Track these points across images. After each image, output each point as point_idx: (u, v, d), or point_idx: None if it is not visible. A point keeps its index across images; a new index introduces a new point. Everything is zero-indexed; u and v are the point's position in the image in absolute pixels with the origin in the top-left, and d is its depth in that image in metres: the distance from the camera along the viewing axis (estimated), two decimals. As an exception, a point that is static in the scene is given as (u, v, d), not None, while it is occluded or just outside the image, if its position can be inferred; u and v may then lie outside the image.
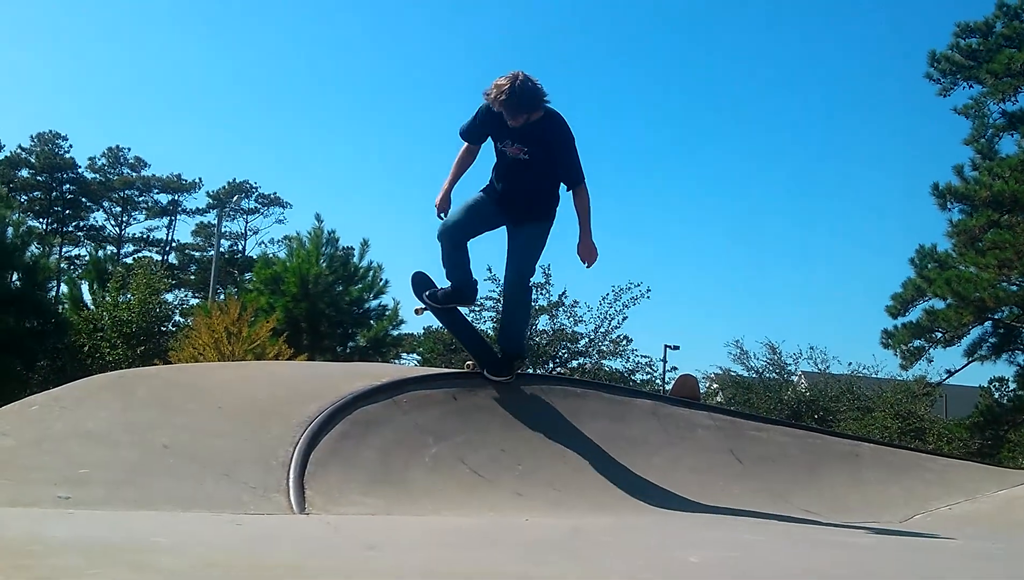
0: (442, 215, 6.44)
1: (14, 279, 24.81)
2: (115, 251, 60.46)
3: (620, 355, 28.21)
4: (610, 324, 27.34)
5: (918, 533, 5.48)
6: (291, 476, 4.62)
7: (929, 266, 29.51)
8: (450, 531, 4.18)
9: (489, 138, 6.35)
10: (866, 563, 3.90)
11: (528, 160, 6.18)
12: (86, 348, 25.75)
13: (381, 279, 32.09)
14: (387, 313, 32.18)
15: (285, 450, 4.84)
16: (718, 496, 5.99)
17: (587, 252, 6.30)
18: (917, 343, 29.70)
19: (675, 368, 37.13)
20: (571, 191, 6.25)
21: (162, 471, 4.53)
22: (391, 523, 4.32)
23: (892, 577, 3.51)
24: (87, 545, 3.01)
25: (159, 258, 61.87)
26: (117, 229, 68.20)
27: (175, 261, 65.73)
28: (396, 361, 32.77)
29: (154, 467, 4.57)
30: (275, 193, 68.86)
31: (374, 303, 32.33)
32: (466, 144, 6.46)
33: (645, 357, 29.30)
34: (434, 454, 5.48)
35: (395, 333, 33.35)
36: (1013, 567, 4.12)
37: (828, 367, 33.39)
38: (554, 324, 27.44)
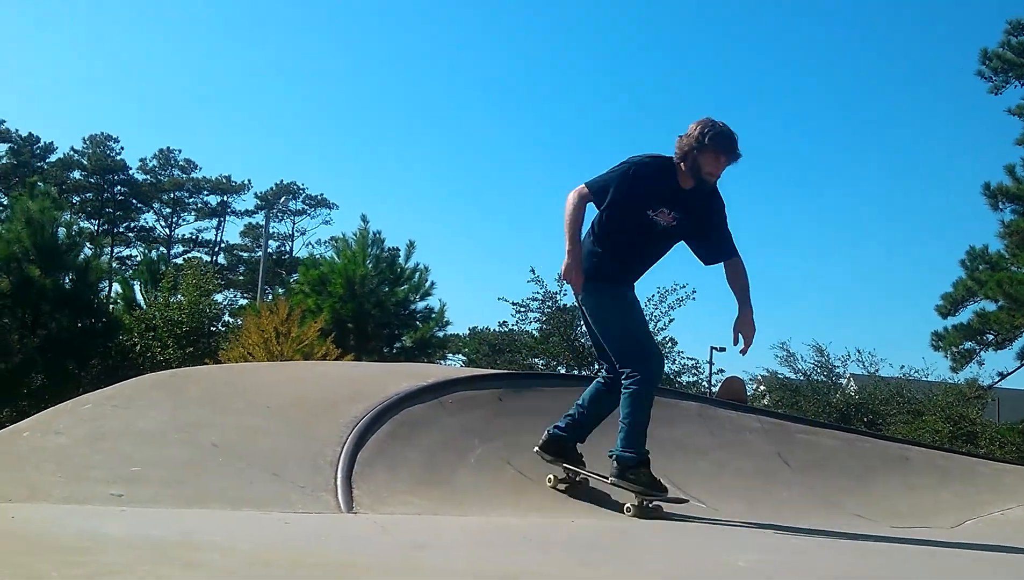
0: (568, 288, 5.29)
1: (67, 280, 25.19)
2: (165, 252, 61.24)
3: (666, 357, 28.12)
4: (656, 326, 27.26)
5: (967, 540, 5.40)
6: (339, 476, 4.65)
7: (980, 268, 29.10)
8: (496, 532, 4.19)
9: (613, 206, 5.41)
10: (914, 570, 3.86)
11: (675, 228, 5.44)
12: (138, 348, 26.11)
13: (427, 281, 32.27)
14: (433, 315, 32.34)
15: (333, 450, 4.87)
16: (765, 500, 5.94)
17: (749, 327, 5.43)
18: (968, 345, 29.30)
19: (721, 370, 36.87)
20: (729, 261, 5.58)
21: (212, 470, 4.59)
22: (438, 523, 4.34)
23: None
24: (138, 542, 3.05)
25: (208, 259, 62.60)
26: (167, 230, 69.18)
27: (224, 262, 66.55)
28: (442, 362, 32.90)
29: (204, 465, 4.63)
30: (322, 194, 69.45)
31: (420, 305, 32.51)
32: (588, 202, 5.36)
33: (692, 359, 29.21)
34: (480, 455, 5.49)
35: (441, 334, 33.50)
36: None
37: (877, 370, 33.01)
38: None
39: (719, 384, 9.64)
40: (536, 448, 5.49)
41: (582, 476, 5.46)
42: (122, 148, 67.15)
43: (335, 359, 19.95)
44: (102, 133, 66.81)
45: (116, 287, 34.83)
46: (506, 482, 5.35)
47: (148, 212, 69.12)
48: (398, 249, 32.35)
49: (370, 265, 30.60)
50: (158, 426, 5.09)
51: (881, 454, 7.33)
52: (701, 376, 29.62)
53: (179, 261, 48.64)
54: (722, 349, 43.03)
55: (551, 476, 5.46)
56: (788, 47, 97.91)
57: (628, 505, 5.13)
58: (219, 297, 32.94)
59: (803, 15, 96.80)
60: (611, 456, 5.21)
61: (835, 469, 6.84)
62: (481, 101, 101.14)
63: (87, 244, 27.31)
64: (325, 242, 61.82)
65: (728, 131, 5.33)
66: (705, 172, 5.32)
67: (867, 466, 6.97)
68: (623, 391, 5.26)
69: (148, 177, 68.51)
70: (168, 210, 69.05)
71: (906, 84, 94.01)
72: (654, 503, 5.14)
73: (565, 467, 5.45)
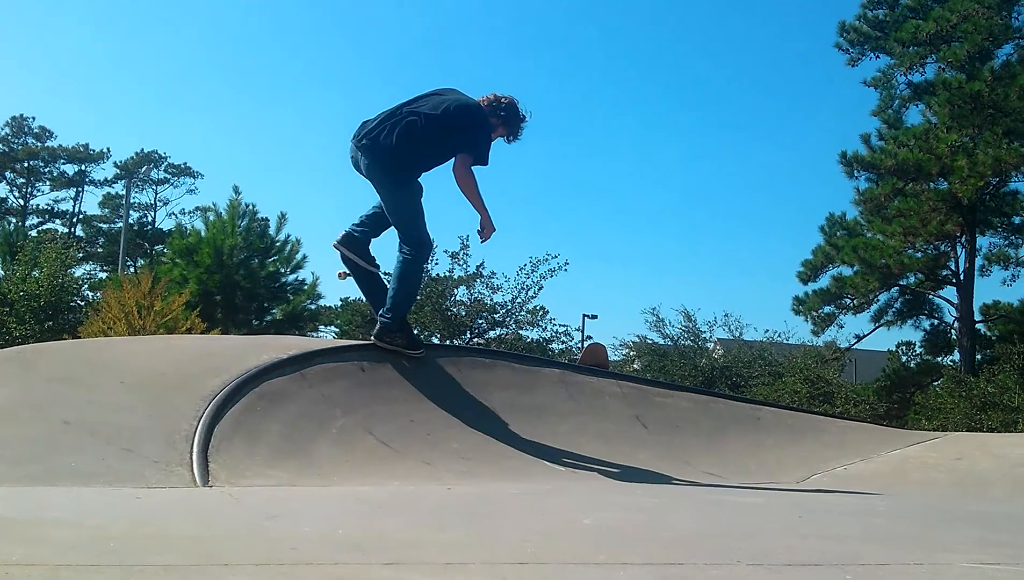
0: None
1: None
2: (19, 223, 58.53)
3: (537, 325, 28.48)
4: (527, 294, 27.58)
5: (810, 493, 5.68)
6: (194, 450, 4.61)
7: (838, 234, 30.32)
8: (354, 500, 4.22)
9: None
10: (752, 523, 4.05)
11: None
12: (-8, 323, 25.06)
13: (299, 253, 31.92)
14: (305, 287, 32.02)
15: (189, 424, 4.82)
16: (623, 462, 6.12)
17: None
18: (827, 309, 30.59)
19: (589, 337, 37.51)
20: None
21: (63, 447, 4.49)
22: (294, 494, 4.35)
23: (774, 535, 3.66)
24: (-20, 522, 2.99)
25: (65, 230, 60.23)
26: (21, 201, 66.22)
27: (82, 233, 64.00)
28: (313, 334, 32.60)
29: (54, 443, 4.52)
30: (185, 163, 67.38)
31: (291, 277, 32.15)
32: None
33: (562, 326, 29.64)
34: (341, 426, 5.50)
35: (313, 307, 33.21)
36: (889, 522, 4.31)
37: (742, 334, 34.16)
38: (472, 294, 27.58)
39: (582, 351, 9.84)
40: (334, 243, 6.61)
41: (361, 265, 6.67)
42: (-30, 116, 63.87)
43: (201, 333, 19.56)
44: (-51, 99, 63.46)
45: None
46: (368, 452, 5.37)
47: (0, 182, 66.05)
48: (267, 220, 31.87)
49: (240, 236, 30.08)
50: (4, 403, 4.94)
51: (734, 415, 7.61)
52: (571, 343, 30.00)
53: (34, 233, 46.64)
54: (594, 317, 43.94)
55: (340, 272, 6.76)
56: (647, 12, 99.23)
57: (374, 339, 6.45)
58: (78, 271, 31.76)
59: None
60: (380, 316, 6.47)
61: (689, 430, 7.09)
62: (363, 71, 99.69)
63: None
64: (191, 212, 60.31)
65: (521, 117, 6.56)
66: (493, 135, 6.47)
67: (720, 427, 7.25)
68: (398, 261, 6.46)
69: (0, 146, 65.40)
70: (22, 180, 66.09)
71: (768, 55, 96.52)
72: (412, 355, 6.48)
73: (349, 257, 6.63)
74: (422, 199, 6.52)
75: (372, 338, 6.47)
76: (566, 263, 27.21)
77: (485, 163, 6.32)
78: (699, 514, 4.30)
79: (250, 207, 31.01)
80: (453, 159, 6.28)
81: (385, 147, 6.16)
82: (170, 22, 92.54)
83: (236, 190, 31.04)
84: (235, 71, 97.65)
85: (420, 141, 6.18)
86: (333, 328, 40.49)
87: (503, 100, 6.45)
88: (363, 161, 6.30)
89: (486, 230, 6.46)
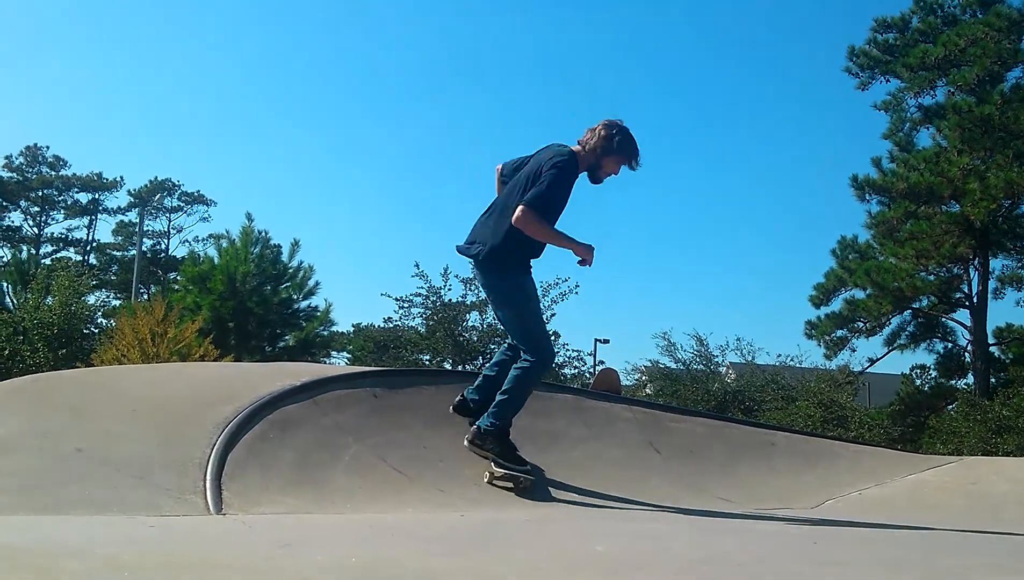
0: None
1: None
2: (33, 252, 58.82)
3: (549, 349, 28.38)
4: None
5: (824, 519, 5.64)
6: (208, 478, 4.61)
7: (850, 257, 30.26)
8: (366, 528, 4.22)
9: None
10: (765, 549, 4.03)
11: None
12: (6, 352, 25.15)
13: (311, 279, 32.03)
14: (317, 313, 32.10)
15: (202, 452, 4.82)
16: (637, 488, 6.10)
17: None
18: (840, 333, 30.47)
19: (602, 362, 37.41)
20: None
21: (75, 476, 4.49)
22: (307, 522, 4.35)
23: (787, 562, 3.64)
24: (-7, 551, 2.99)
25: (79, 258, 60.45)
26: (35, 229, 66.56)
27: (95, 261, 64.16)
28: (325, 360, 32.64)
29: (67, 472, 4.52)
30: (198, 191, 67.66)
31: (304, 304, 32.25)
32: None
33: (575, 350, 29.58)
34: (354, 453, 5.50)
35: (325, 333, 33.27)
36: (903, 548, 4.27)
37: (754, 358, 34.05)
38: (484, 319, 27.58)
39: (594, 376, 9.85)
40: (466, 441, 5.76)
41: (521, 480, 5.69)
42: (-14, 145, 64.27)
43: (214, 360, 19.61)
44: (-36, 130, 63.87)
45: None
46: (381, 479, 5.37)
47: (15, 211, 66.39)
48: (280, 246, 31.99)
49: (253, 263, 30.21)
50: (17, 433, 4.95)
51: (748, 440, 7.59)
52: (584, 368, 29.93)
53: (47, 261, 46.85)
54: (606, 341, 43.83)
55: (487, 472, 5.72)
56: (657, 40, 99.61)
57: (486, 472, 5.66)
58: (91, 298, 31.88)
59: (676, 6, 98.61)
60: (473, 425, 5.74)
61: (703, 455, 7.07)
62: (359, 96, 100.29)
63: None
64: (203, 239, 60.50)
65: (633, 138, 5.73)
66: (604, 172, 5.77)
67: (734, 452, 7.22)
68: (514, 368, 5.68)
69: (14, 175, 65.78)
70: (36, 209, 66.44)
71: (779, 80, 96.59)
72: (506, 472, 5.62)
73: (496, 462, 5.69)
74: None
75: (465, 441, 5.78)
76: (576, 286, 27.20)
77: (543, 212, 5.47)
78: (712, 540, 4.28)
79: (263, 234, 31.18)
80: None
81: (486, 252, 5.64)
82: (182, 49, 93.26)
83: (249, 217, 31.22)
84: (249, 99, 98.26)
85: (515, 231, 5.52)
86: (345, 354, 40.50)
87: (613, 129, 5.68)
88: (477, 277, 6.04)
89: (585, 258, 5.67)
